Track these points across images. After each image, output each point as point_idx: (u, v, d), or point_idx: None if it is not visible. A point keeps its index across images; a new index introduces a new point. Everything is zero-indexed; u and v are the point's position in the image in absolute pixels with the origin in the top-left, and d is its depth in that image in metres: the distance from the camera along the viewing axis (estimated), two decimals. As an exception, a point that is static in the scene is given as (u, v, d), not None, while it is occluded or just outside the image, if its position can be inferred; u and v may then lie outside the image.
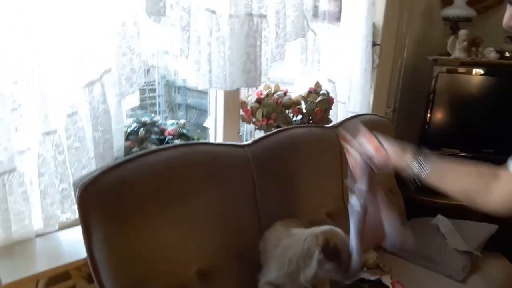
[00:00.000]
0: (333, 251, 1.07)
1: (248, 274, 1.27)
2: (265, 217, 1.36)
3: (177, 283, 1.13)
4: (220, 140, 1.67)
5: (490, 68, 2.18)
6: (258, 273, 1.22)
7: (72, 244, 1.15)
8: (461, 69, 2.20)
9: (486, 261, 1.66)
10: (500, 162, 2.24)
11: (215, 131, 1.72)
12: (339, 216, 1.67)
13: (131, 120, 1.39)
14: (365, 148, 0.96)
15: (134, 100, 1.35)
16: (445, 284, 1.52)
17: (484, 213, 1.83)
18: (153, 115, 1.39)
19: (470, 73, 2.18)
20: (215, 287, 1.20)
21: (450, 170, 0.84)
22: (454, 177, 0.84)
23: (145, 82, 2.00)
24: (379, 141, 0.94)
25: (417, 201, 2.04)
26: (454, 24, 2.29)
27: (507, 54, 2.18)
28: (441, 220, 1.74)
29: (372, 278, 1.49)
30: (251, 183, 1.36)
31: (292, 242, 1.14)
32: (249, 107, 1.70)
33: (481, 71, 2.17)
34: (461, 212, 1.90)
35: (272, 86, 1.78)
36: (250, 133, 1.93)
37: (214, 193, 1.24)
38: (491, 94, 2.21)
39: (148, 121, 1.35)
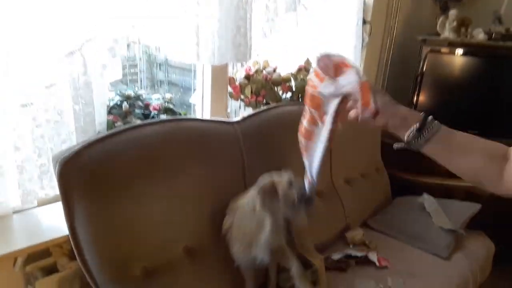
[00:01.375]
0: (269, 188, 1.04)
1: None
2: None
3: (164, 260, 1.10)
4: (207, 117, 1.62)
5: (478, 49, 2.18)
6: None
7: (53, 221, 1.11)
8: (449, 50, 2.19)
9: (469, 238, 1.70)
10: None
11: (202, 108, 1.67)
12: (329, 195, 1.67)
13: (113, 94, 1.33)
14: (351, 90, 0.73)
15: (117, 72, 1.29)
16: (430, 261, 1.55)
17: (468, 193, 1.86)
18: (137, 89, 1.32)
19: (459, 54, 2.18)
20: (203, 264, 1.17)
21: (458, 147, 0.74)
22: (462, 156, 0.74)
23: (126, 58, 1.91)
24: (372, 91, 0.72)
25: (403, 179, 2.06)
26: (443, 4, 2.27)
27: (495, 36, 2.18)
28: (426, 199, 1.76)
29: (359, 254, 1.50)
30: (240, 160, 1.32)
31: (240, 213, 1.12)
32: (237, 83, 1.65)
33: (469, 52, 2.17)
34: (446, 191, 1.93)
35: (261, 62, 1.73)
36: (235, 112, 1.89)
37: (202, 170, 1.20)
38: (478, 75, 2.22)
39: (132, 95, 1.29)
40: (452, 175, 0.79)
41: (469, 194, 1.83)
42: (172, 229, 1.13)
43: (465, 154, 0.74)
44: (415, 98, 2.24)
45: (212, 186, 1.23)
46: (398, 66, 2.38)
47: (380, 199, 1.94)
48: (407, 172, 2.09)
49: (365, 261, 1.49)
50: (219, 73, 1.60)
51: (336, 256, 1.48)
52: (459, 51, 2.17)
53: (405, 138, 0.73)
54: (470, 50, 2.17)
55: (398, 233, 1.69)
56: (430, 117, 0.73)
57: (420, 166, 2.14)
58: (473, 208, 1.73)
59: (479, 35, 2.14)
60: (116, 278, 1.02)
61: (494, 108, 2.23)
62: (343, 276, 1.41)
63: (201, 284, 1.17)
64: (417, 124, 0.71)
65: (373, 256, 1.50)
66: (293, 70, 1.76)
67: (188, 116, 1.42)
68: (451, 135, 0.75)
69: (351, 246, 1.59)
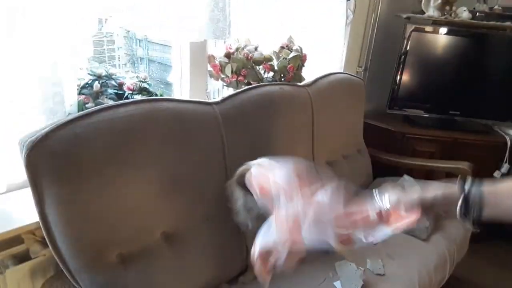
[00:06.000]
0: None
1: (216, 237, 1.24)
2: (234, 178, 1.30)
3: (141, 246, 1.07)
4: (186, 97, 1.57)
5: (462, 28, 2.16)
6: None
7: (24, 207, 1.05)
8: (433, 28, 2.16)
9: (447, 220, 1.72)
10: (465, 124, 2.29)
11: (181, 87, 1.61)
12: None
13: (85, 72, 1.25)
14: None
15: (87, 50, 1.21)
16: (408, 242, 1.57)
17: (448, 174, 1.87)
18: (109, 67, 1.25)
19: (442, 33, 2.16)
20: (182, 250, 1.15)
21: (505, 195, 0.71)
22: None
23: (103, 33, 1.80)
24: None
25: (383, 161, 2.06)
26: (429, -19, 2.23)
27: (479, 15, 2.16)
28: (407, 180, 1.77)
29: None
30: (220, 143, 1.28)
31: None
32: (217, 62, 1.59)
33: (452, 31, 2.15)
34: (426, 172, 1.95)
35: (242, 40, 1.67)
36: (218, 91, 1.83)
37: (179, 153, 1.16)
38: (462, 55, 2.21)
39: (104, 73, 1.22)
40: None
41: (449, 176, 1.85)
42: (149, 215, 1.10)
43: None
44: (398, 77, 2.23)
45: (191, 171, 1.19)
46: (382, 44, 2.34)
47: (361, 180, 1.94)
48: (389, 153, 2.09)
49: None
50: (198, 51, 1.54)
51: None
52: (443, 30, 2.15)
53: (460, 219, 0.71)
54: (454, 29, 2.16)
55: (378, 214, 1.70)
56: (466, 188, 0.70)
57: (402, 147, 2.16)
58: (452, 189, 1.75)
59: (463, 14, 2.12)
60: (90, 265, 0.99)
61: (476, 89, 2.24)
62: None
63: (179, 268, 1.15)
64: (460, 203, 0.70)
65: (353, 237, 1.50)
66: (275, 48, 1.70)
67: (165, 97, 1.36)
68: (495, 187, 0.72)
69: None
